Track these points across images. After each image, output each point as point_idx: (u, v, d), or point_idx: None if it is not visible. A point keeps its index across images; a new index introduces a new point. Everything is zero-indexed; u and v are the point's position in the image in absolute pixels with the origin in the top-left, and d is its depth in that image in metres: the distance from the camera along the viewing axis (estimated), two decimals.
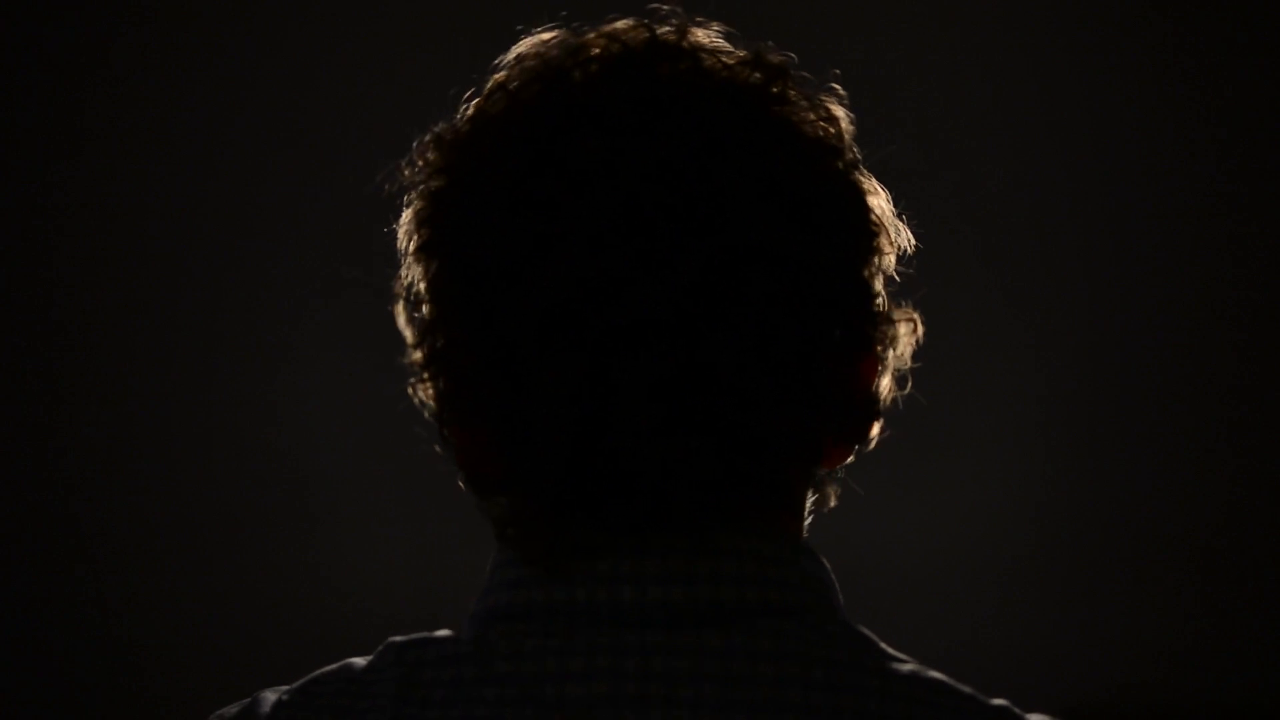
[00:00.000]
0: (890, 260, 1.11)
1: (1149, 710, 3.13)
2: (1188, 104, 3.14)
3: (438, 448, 1.09)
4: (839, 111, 1.10)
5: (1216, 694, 3.13)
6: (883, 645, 1.06)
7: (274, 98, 3.20)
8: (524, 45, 1.11)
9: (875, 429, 1.12)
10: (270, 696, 1.08)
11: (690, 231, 1.03)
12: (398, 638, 1.08)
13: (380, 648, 1.08)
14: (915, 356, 1.13)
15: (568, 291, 1.02)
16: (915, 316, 1.13)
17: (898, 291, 1.12)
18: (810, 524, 1.11)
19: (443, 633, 1.08)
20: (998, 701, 1.06)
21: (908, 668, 1.05)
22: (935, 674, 1.05)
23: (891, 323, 1.11)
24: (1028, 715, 1.05)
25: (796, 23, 3.00)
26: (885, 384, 1.12)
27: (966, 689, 1.05)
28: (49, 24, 3.21)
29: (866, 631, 1.07)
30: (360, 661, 1.08)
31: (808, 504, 1.12)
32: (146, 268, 3.21)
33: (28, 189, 3.22)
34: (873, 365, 1.11)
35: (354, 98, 3.17)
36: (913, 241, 1.12)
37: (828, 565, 1.09)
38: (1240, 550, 3.13)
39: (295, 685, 1.08)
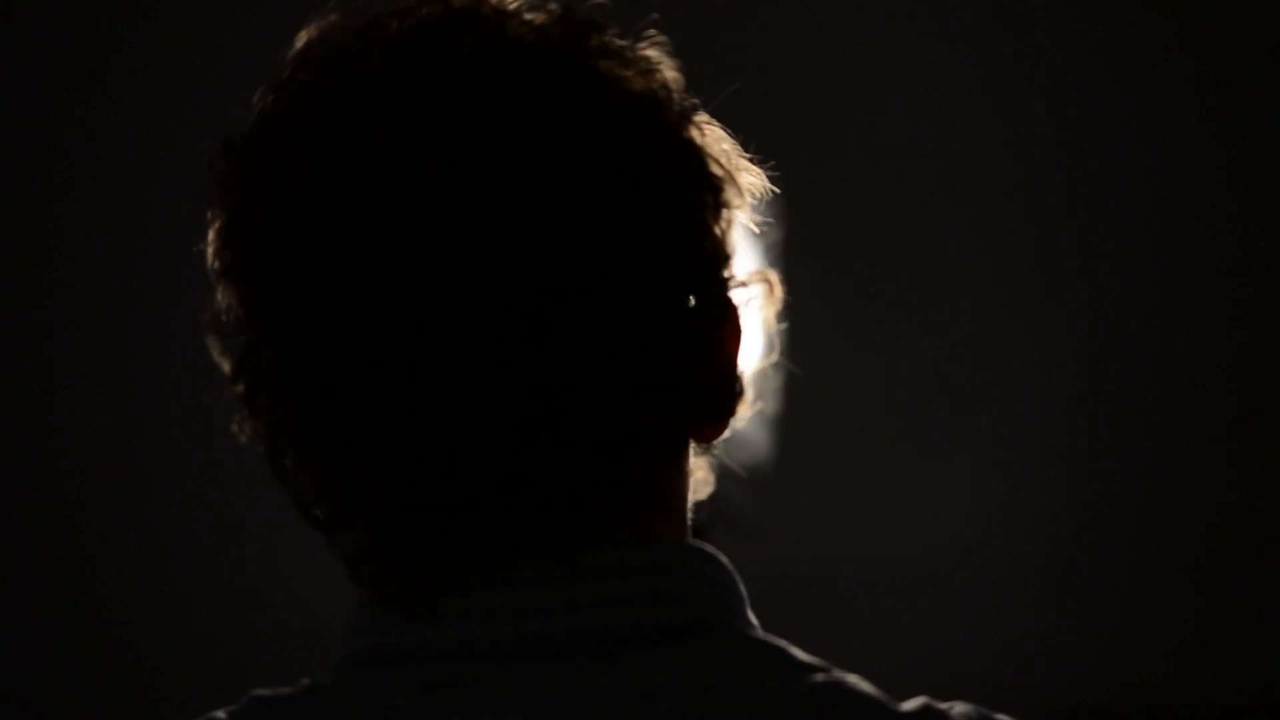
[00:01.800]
0: (743, 211, 1.01)
1: (1149, 710, 3.13)
2: (1188, 104, 3.14)
3: (276, 483, 1.00)
4: (662, 60, 1.00)
5: (1216, 694, 3.13)
6: (793, 653, 0.98)
7: None
8: (310, 32, 1.01)
9: (744, 402, 1.02)
10: None
11: (511, 230, 0.93)
12: (262, 691, 1.00)
13: (244, 701, 1.00)
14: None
15: (387, 312, 0.93)
16: (771, 276, 1.04)
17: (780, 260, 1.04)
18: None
19: (305, 683, 0.99)
20: (911, 704, 0.98)
21: (819, 678, 0.96)
22: (850, 684, 0.97)
23: (744, 285, 1.02)
24: (996, 715, 0.98)
25: (795, 22, 3.00)
26: (747, 351, 1.02)
27: (879, 695, 0.97)
28: (49, 24, 3.21)
29: (775, 641, 0.99)
30: (222, 715, 0.99)
31: (689, 497, 1.02)
32: (146, 268, 3.21)
33: (28, 189, 3.22)
34: (733, 333, 1.01)
35: None
36: (769, 185, 1.02)
37: (725, 561, 1.01)
38: (1239, 550, 3.13)
39: None
